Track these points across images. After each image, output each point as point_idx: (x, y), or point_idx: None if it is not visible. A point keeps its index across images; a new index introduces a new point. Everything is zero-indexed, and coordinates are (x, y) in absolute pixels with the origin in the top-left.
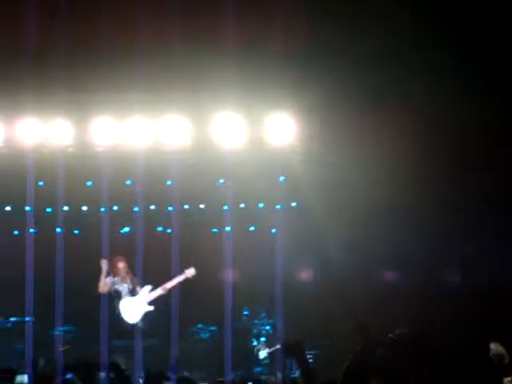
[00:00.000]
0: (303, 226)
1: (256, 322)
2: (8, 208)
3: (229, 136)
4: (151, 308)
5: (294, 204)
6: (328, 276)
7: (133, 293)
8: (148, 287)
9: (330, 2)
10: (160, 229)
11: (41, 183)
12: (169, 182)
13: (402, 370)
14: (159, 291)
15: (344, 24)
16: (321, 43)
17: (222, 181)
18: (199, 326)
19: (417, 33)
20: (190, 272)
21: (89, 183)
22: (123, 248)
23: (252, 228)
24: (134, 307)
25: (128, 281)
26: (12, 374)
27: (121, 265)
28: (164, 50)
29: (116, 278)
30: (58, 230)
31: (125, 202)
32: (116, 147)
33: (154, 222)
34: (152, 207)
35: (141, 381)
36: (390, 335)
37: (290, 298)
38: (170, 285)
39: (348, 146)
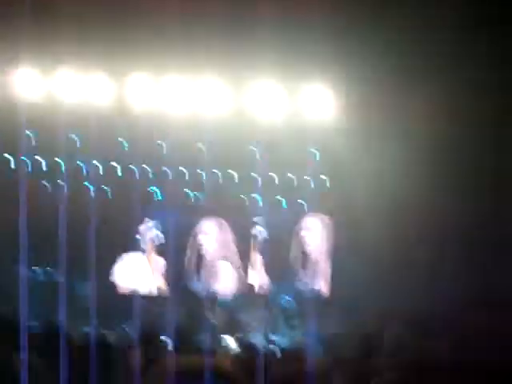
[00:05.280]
0: (337, 199)
1: None
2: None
3: (264, 104)
4: None
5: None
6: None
7: None
8: None
9: None
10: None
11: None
12: (200, 145)
13: None
14: None
15: None
16: (362, 14)
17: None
18: None
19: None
20: None
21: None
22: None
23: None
24: None
25: None
26: None
27: None
28: (203, 13)
29: None
30: (89, 186)
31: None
32: (151, 107)
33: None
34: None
35: None
36: None
37: None
38: None
39: (386, 119)
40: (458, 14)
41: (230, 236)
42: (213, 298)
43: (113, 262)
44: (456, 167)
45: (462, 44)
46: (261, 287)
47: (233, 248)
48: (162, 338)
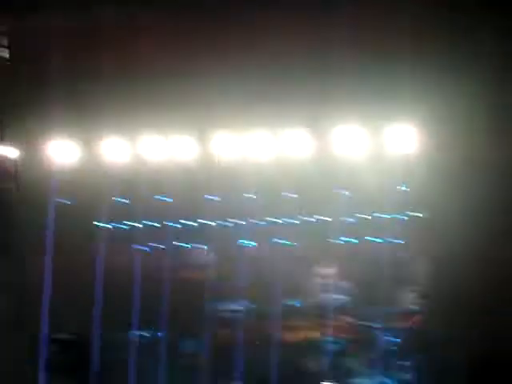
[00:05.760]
0: (430, 237)
1: None
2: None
3: (350, 148)
4: None
5: (421, 214)
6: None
7: None
8: None
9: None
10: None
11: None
12: (286, 194)
13: None
14: None
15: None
16: (448, 52)
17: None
18: None
19: None
20: None
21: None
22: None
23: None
24: None
25: None
26: None
27: None
28: (285, 62)
29: None
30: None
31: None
32: (235, 161)
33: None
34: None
35: None
36: None
37: None
38: None
39: (472, 155)
40: None
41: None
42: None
43: None
44: None
45: None
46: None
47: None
48: None
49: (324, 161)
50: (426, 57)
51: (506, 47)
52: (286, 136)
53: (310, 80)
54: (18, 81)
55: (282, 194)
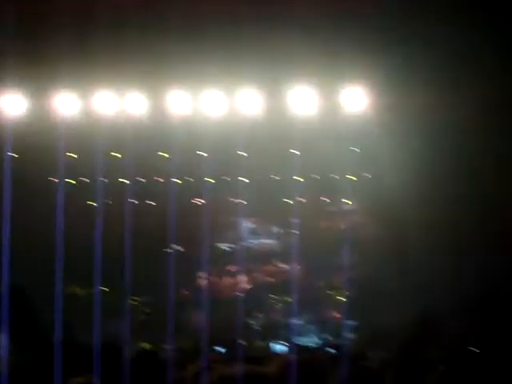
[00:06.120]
0: (378, 197)
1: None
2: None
3: (303, 107)
4: None
5: (368, 175)
6: (404, 252)
7: None
8: None
9: None
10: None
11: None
12: (241, 153)
13: None
14: None
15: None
16: (395, 15)
17: None
18: None
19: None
20: None
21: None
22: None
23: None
24: None
25: None
26: None
27: None
28: (239, 20)
29: None
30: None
31: (197, 174)
32: (188, 118)
33: (224, 193)
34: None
35: None
36: None
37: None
38: None
39: (420, 117)
40: None
41: None
42: None
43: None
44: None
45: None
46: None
47: None
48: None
49: (276, 121)
50: (376, 18)
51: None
52: (240, 95)
53: (264, 40)
54: None
55: (235, 152)
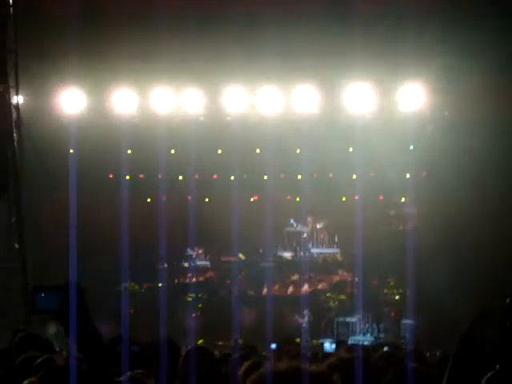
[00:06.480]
0: (434, 195)
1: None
2: (141, 176)
3: (359, 105)
4: None
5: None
6: (461, 246)
7: None
8: None
9: None
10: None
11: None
12: (298, 151)
13: None
14: None
15: None
16: (456, 13)
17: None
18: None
19: None
20: None
21: (219, 151)
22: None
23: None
24: None
25: None
26: None
27: None
28: (297, 19)
29: None
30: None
31: (254, 171)
32: (246, 116)
33: (282, 189)
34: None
35: None
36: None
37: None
38: None
39: (480, 114)
40: None
41: None
42: None
43: None
44: None
45: None
46: None
47: None
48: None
49: (333, 119)
50: (435, 15)
51: None
52: (297, 93)
53: (321, 38)
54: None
55: (291, 151)
